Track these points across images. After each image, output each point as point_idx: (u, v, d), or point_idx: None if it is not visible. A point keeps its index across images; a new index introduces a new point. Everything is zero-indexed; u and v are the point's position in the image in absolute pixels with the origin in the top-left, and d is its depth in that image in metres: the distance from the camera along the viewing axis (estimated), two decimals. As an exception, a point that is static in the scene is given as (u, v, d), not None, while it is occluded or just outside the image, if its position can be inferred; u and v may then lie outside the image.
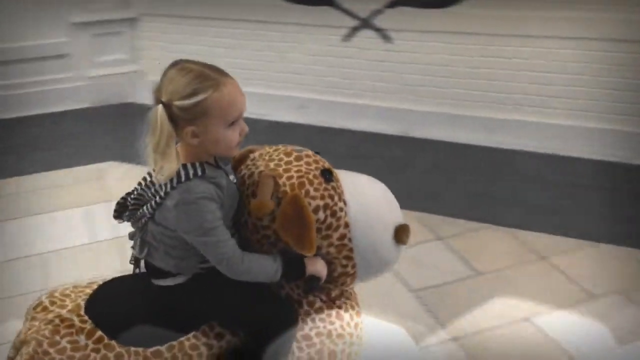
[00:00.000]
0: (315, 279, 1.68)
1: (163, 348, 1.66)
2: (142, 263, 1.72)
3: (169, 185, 1.54)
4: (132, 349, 1.64)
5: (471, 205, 3.36)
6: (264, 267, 1.61)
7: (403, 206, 1.85)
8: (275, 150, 1.76)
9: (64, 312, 1.70)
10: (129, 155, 3.99)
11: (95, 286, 1.80)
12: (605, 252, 2.90)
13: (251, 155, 1.77)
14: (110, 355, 1.63)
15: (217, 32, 4.74)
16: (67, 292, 1.79)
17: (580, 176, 3.69)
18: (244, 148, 1.78)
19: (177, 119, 1.51)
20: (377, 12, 4.23)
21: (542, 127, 4.01)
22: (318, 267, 1.68)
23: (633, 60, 3.71)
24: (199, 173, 1.55)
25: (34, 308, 1.75)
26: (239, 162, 1.77)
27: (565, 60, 3.86)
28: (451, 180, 3.68)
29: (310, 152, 1.75)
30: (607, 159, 3.84)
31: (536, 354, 2.29)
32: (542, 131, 4.00)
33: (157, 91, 1.52)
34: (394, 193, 1.83)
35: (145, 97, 5.00)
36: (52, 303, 1.74)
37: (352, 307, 1.85)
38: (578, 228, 3.10)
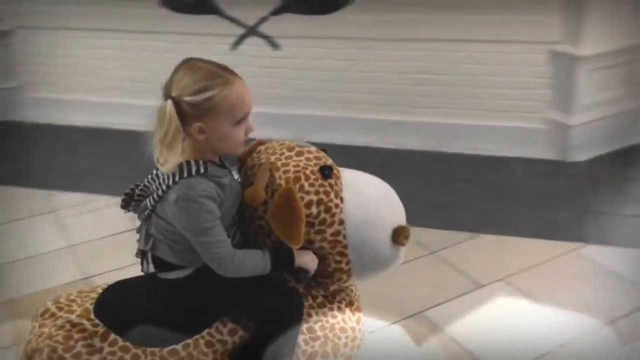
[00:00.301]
0: (303, 270, 1.71)
1: (179, 347, 1.67)
2: (149, 257, 1.72)
3: (171, 180, 1.57)
4: (148, 349, 1.65)
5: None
6: (252, 264, 1.64)
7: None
8: (280, 145, 1.80)
9: (73, 317, 1.69)
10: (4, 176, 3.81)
11: (99, 290, 1.79)
12: (488, 243, 3.08)
13: (258, 149, 1.82)
14: (127, 357, 1.63)
15: (100, 44, 4.57)
16: (72, 297, 1.78)
17: (460, 171, 3.90)
18: (252, 142, 1.83)
19: (186, 114, 1.54)
20: (263, 19, 4.25)
21: (428, 126, 4.19)
22: (306, 260, 1.70)
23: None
24: (201, 170, 1.58)
25: (41, 315, 1.72)
26: (246, 155, 1.81)
27: (449, 62, 4.06)
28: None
29: (313, 149, 1.79)
30: (487, 154, 4.08)
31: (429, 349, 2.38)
32: (427, 130, 4.19)
33: (168, 87, 1.56)
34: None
35: (25, 114, 4.80)
36: (60, 309, 1.72)
37: (352, 303, 1.88)
38: (462, 222, 3.27)
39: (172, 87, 1.55)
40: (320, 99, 4.33)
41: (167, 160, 1.54)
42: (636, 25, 3.92)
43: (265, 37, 4.29)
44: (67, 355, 1.61)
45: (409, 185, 3.59)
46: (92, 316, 1.69)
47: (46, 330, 1.67)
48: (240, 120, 1.60)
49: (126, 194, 1.73)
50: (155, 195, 1.61)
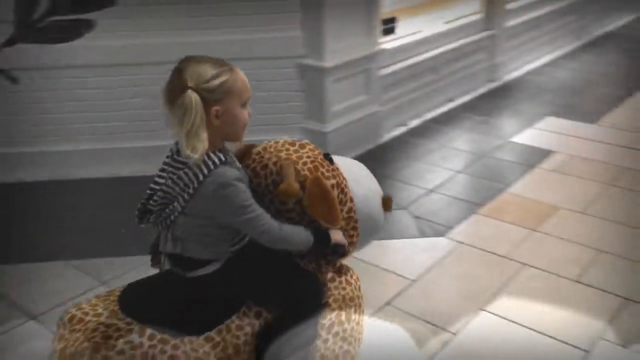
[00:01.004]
0: (339, 246, 1.89)
1: (213, 333, 1.77)
2: (164, 262, 1.84)
3: (200, 176, 1.67)
4: (186, 338, 1.72)
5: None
6: (298, 235, 1.81)
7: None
8: (276, 142, 1.96)
9: (102, 319, 1.73)
10: None
11: (117, 292, 1.84)
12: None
13: (254, 151, 1.95)
14: (168, 347, 1.69)
15: None
16: (94, 302, 1.82)
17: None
18: (240, 147, 1.95)
19: (205, 100, 1.66)
20: (-5, 51, 3.83)
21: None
22: (339, 237, 1.89)
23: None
24: (223, 159, 1.70)
25: (69, 320, 1.75)
26: (242, 158, 1.93)
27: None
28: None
29: (303, 141, 1.98)
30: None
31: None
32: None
33: (180, 81, 1.65)
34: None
35: None
36: (86, 314, 1.76)
37: (352, 274, 2.07)
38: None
39: (186, 80, 1.65)
40: None
41: (196, 147, 1.64)
42: (367, 38, 4.33)
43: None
44: (111, 354, 1.65)
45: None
46: (121, 316, 1.74)
47: (79, 334, 1.70)
48: (244, 103, 1.75)
49: (139, 210, 1.81)
50: (185, 196, 1.69)
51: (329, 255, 1.94)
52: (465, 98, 5.46)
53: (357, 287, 2.07)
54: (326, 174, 1.89)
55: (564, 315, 2.72)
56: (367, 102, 4.44)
